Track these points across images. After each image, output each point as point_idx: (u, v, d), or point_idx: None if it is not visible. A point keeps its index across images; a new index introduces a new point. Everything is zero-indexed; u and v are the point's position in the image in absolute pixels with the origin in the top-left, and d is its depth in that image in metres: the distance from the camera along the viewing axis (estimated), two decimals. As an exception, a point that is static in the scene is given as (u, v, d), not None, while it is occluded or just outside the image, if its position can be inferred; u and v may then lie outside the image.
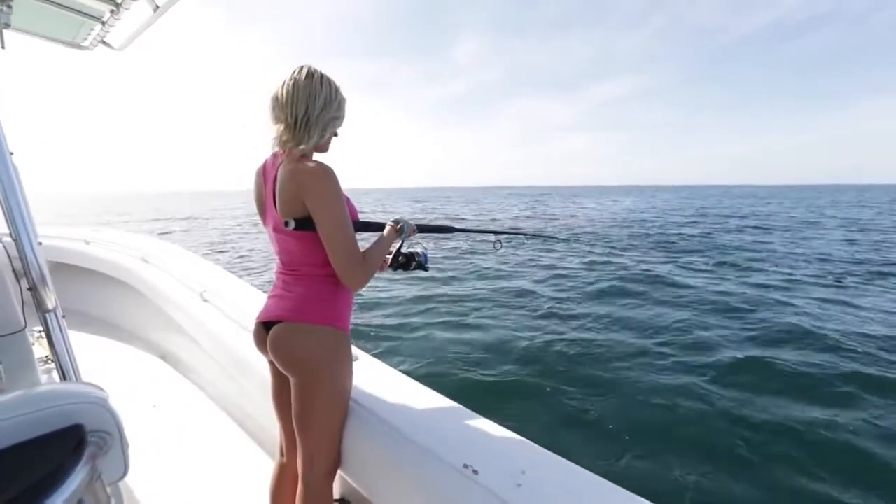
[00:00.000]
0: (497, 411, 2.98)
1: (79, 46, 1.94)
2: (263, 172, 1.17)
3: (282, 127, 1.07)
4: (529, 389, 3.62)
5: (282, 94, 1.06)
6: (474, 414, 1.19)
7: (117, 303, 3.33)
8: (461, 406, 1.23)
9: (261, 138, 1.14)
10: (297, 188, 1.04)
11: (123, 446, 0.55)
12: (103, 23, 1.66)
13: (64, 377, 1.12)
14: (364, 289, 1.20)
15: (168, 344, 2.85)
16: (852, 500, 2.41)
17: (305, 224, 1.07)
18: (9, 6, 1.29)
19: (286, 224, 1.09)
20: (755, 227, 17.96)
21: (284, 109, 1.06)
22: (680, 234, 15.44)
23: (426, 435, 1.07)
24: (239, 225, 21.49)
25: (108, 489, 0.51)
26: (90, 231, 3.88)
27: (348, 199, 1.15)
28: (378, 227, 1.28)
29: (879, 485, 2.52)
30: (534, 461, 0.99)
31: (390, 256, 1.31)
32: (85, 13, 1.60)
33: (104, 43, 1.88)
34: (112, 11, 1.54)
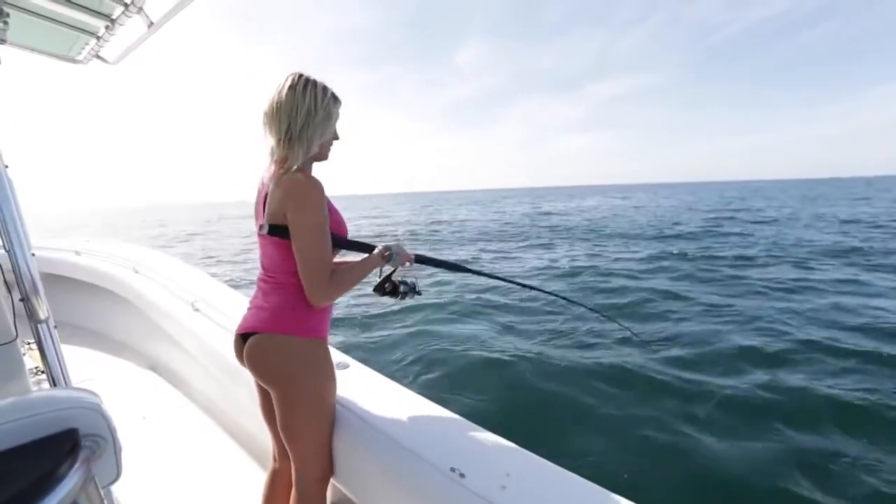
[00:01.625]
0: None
1: (73, 60, 1.97)
2: (263, 180, 1.20)
3: (272, 141, 1.10)
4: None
5: (268, 109, 1.09)
6: (460, 418, 1.22)
7: (108, 313, 3.32)
8: (448, 411, 1.25)
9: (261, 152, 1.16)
10: (281, 197, 1.05)
11: (116, 450, 0.57)
12: (98, 38, 1.69)
13: (55, 387, 1.13)
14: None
15: (158, 354, 2.84)
16: None
17: (279, 231, 1.07)
18: (5, 22, 1.32)
19: (261, 227, 1.11)
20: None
21: (272, 125, 1.09)
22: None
23: (414, 440, 1.09)
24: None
25: (102, 492, 0.53)
26: (81, 242, 3.87)
27: (337, 214, 1.17)
28: (367, 248, 1.25)
29: None
30: (518, 463, 1.02)
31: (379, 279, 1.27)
32: (80, 28, 1.63)
33: (98, 57, 1.90)
34: (107, 27, 1.57)
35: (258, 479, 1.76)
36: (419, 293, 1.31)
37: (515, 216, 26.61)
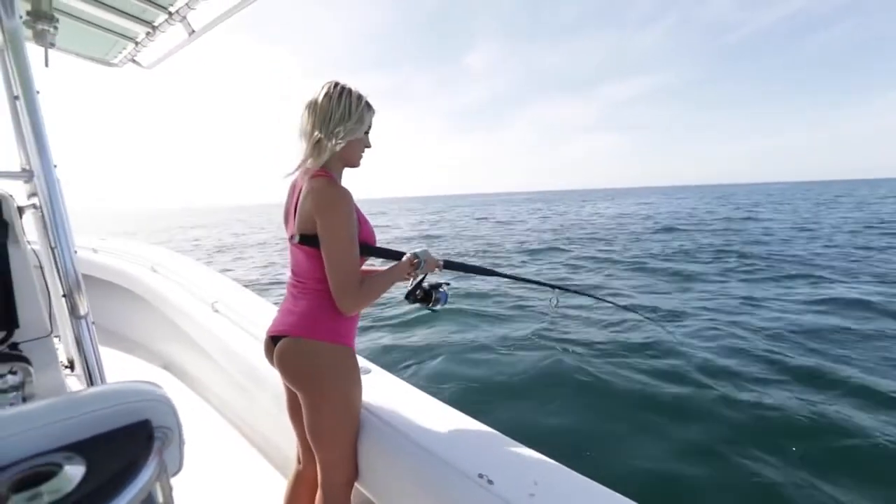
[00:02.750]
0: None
1: (108, 63, 2.02)
2: (293, 186, 1.23)
3: (305, 146, 1.13)
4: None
5: (304, 114, 1.12)
6: (486, 427, 1.23)
7: (123, 312, 3.34)
8: (474, 419, 1.26)
9: (291, 158, 1.19)
10: (311, 206, 1.08)
11: (181, 442, 0.59)
12: (137, 43, 1.75)
13: (91, 382, 1.16)
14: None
15: (173, 354, 2.86)
16: None
17: (310, 241, 1.10)
18: (55, 27, 1.37)
19: (292, 237, 1.15)
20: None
21: (305, 131, 1.12)
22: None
23: (440, 445, 1.10)
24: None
25: (171, 481, 0.55)
26: (98, 239, 3.92)
27: (367, 223, 1.20)
28: (396, 255, 1.25)
29: None
30: (546, 472, 1.02)
31: (410, 287, 1.28)
32: (121, 34, 1.68)
33: (134, 61, 1.96)
34: (148, 33, 1.63)
35: (274, 484, 1.76)
36: (447, 301, 1.31)
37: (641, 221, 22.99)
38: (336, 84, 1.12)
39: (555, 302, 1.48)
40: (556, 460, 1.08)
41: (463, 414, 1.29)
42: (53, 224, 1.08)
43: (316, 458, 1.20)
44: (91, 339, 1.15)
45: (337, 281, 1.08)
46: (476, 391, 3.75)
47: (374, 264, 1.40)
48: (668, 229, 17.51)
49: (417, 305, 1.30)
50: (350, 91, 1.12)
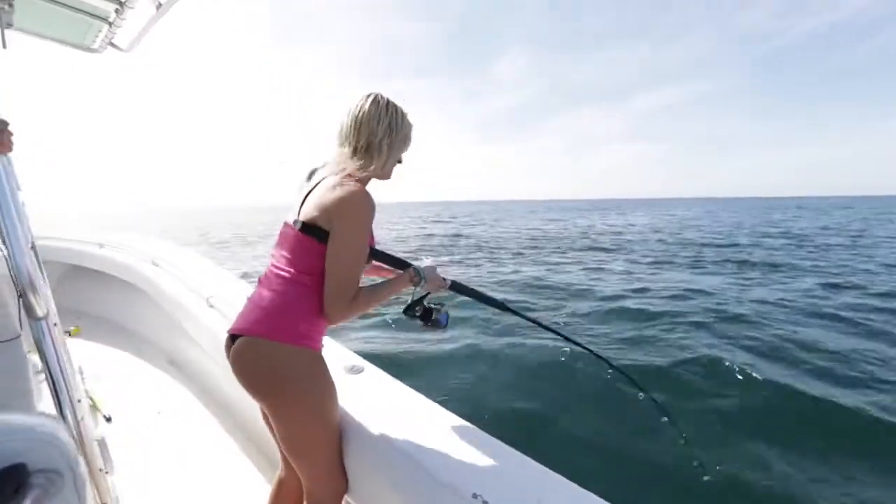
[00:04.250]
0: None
1: (88, 49, 1.93)
2: (308, 177, 1.16)
3: (346, 151, 1.09)
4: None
5: (347, 121, 1.08)
6: (486, 435, 1.10)
7: (128, 306, 3.34)
8: (472, 426, 1.14)
9: (291, 159, 1.11)
10: (334, 203, 1.01)
11: (78, 486, 0.47)
12: (110, 23, 1.64)
13: (55, 390, 1.07)
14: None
15: (175, 348, 2.83)
16: None
17: (312, 231, 1.03)
18: (10, 5, 1.26)
19: (294, 223, 1.07)
20: None
21: (349, 135, 1.08)
22: None
23: (433, 459, 0.98)
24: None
25: None
26: (105, 234, 3.92)
27: (371, 233, 1.12)
28: (399, 265, 1.21)
29: None
30: (551, 490, 0.90)
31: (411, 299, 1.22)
32: (91, 13, 1.58)
33: (112, 45, 1.86)
34: (117, 10, 1.51)
35: (270, 477, 1.71)
36: (445, 327, 1.22)
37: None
38: (380, 94, 1.10)
39: (564, 356, 1.41)
40: (565, 475, 0.95)
41: (461, 419, 1.17)
42: (1, 217, 0.98)
43: (297, 472, 1.09)
44: (53, 342, 1.06)
45: (334, 287, 1.01)
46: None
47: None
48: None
49: (417, 323, 1.21)
50: (395, 105, 1.10)
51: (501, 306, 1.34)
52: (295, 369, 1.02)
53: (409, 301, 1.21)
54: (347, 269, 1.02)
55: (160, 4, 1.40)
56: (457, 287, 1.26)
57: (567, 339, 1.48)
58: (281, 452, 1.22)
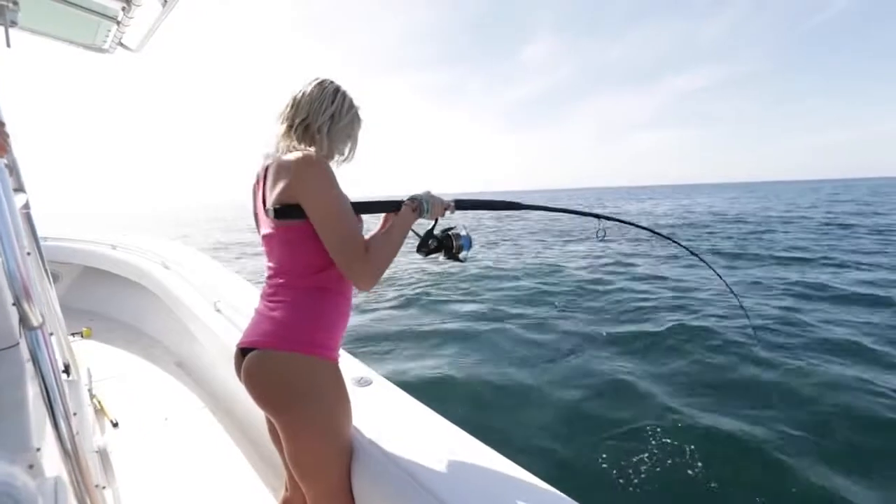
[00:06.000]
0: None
1: (99, 49, 1.92)
2: (259, 177, 1.07)
3: (283, 127, 1.03)
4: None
5: (289, 100, 1.03)
6: (500, 456, 1.02)
7: (139, 307, 3.33)
8: (486, 446, 1.06)
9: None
10: (286, 174, 0.94)
11: None
12: (118, 23, 1.62)
13: (50, 402, 1.02)
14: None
15: (184, 351, 2.80)
16: None
17: (288, 212, 0.94)
18: (15, 3, 1.23)
19: (266, 212, 0.98)
20: None
21: (288, 112, 1.03)
22: None
23: (446, 488, 0.91)
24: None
25: None
26: (118, 236, 3.94)
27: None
28: (391, 206, 1.08)
29: None
30: None
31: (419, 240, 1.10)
32: (99, 13, 1.55)
33: (122, 45, 1.84)
34: (124, 9, 1.49)
35: (276, 489, 1.65)
36: (462, 259, 1.11)
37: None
38: (331, 81, 1.04)
39: (602, 234, 1.32)
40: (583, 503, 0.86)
41: (474, 439, 1.09)
42: None
43: (304, 493, 1.03)
44: (48, 353, 1.01)
45: (340, 251, 0.93)
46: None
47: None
48: None
49: (437, 258, 1.11)
50: (344, 93, 1.05)
51: (518, 206, 1.24)
52: (312, 382, 0.96)
53: (421, 238, 1.10)
54: (342, 227, 0.94)
55: (165, 2, 1.37)
56: (463, 204, 1.15)
57: (609, 218, 1.35)
58: (287, 471, 1.16)
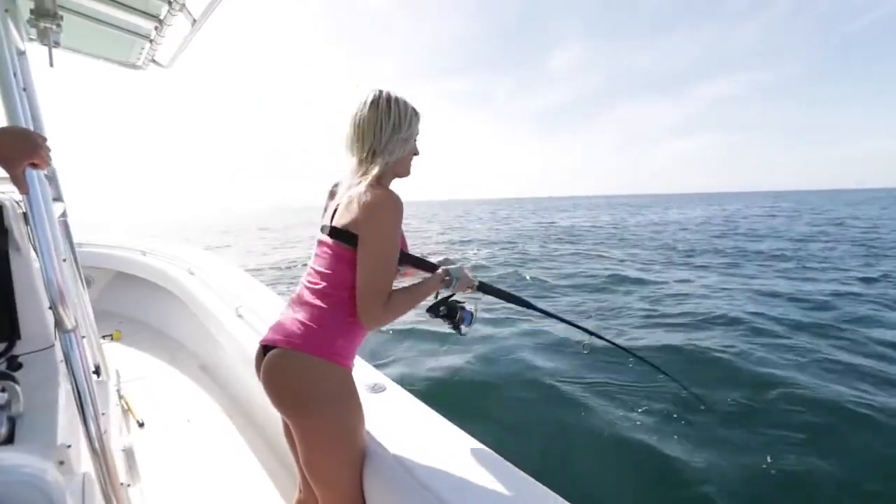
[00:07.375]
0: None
1: (133, 66, 2.02)
2: (335, 189, 1.17)
3: (354, 160, 1.09)
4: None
5: (351, 128, 1.07)
6: (513, 467, 1.01)
7: (166, 312, 3.45)
8: (498, 456, 1.06)
9: (320, 160, 1.10)
10: (358, 207, 1.00)
11: None
12: (151, 41, 1.70)
13: (81, 403, 1.07)
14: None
15: (207, 356, 2.88)
16: None
17: (342, 237, 1.02)
18: (58, 25, 1.32)
19: (323, 228, 1.09)
20: None
21: (356, 143, 1.07)
22: None
23: (456, 493, 0.91)
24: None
25: None
26: (149, 242, 4.10)
27: (402, 237, 1.10)
28: (429, 267, 1.17)
29: None
30: None
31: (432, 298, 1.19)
32: (133, 32, 1.64)
33: (154, 61, 1.93)
34: (156, 28, 1.56)
35: (289, 497, 1.67)
36: (472, 324, 1.18)
37: None
38: (381, 91, 1.06)
39: (587, 349, 1.36)
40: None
41: (488, 449, 1.09)
42: (34, 228, 1.00)
43: (317, 496, 1.04)
44: (80, 356, 1.07)
45: (366, 292, 0.99)
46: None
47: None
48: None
49: (441, 322, 1.18)
50: (397, 98, 1.06)
51: (531, 306, 1.28)
52: (326, 387, 0.99)
53: (435, 301, 1.18)
54: (378, 273, 0.99)
55: (195, 21, 1.44)
56: (485, 288, 1.23)
57: (599, 336, 1.34)
58: (301, 473, 1.18)
